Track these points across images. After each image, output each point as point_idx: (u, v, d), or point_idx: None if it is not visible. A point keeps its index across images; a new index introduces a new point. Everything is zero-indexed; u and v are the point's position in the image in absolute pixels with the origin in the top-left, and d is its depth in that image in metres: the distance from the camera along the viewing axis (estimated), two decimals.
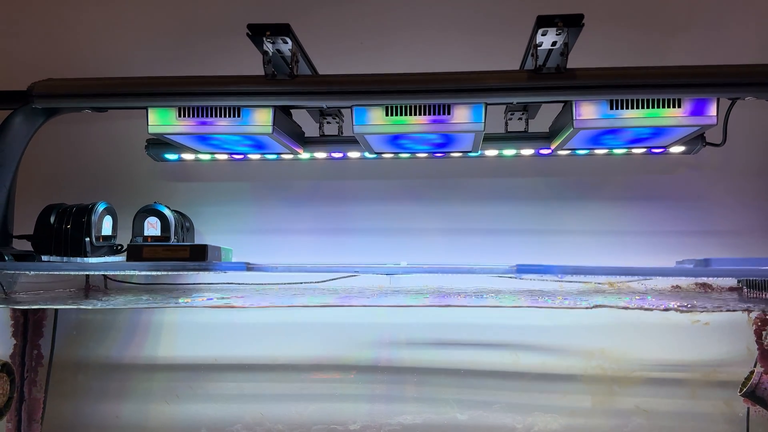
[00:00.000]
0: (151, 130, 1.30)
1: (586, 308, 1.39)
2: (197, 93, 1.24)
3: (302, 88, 1.23)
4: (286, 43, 1.17)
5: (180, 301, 1.43)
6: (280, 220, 1.78)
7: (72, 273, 1.58)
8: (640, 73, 1.18)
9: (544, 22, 1.10)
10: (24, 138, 1.41)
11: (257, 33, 1.15)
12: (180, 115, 1.28)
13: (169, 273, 1.48)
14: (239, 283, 1.65)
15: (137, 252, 1.27)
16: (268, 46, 1.18)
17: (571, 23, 1.10)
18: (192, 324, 1.77)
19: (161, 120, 1.29)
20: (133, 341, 1.78)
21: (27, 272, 1.36)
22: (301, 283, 1.63)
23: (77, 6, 1.83)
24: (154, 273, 1.39)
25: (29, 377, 1.66)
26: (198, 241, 1.74)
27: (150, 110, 1.29)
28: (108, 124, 1.79)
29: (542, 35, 1.13)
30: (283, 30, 1.15)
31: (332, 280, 1.60)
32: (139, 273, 1.45)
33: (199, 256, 1.28)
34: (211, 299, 1.48)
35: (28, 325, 1.66)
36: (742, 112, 1.46)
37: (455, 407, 1.71)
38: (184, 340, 1.77)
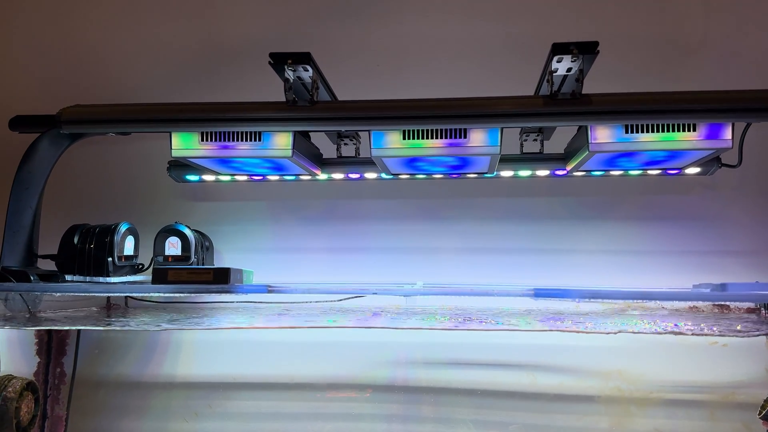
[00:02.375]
0: (175, 153, 1.33)
1: (608, 333, 1.39)
2: (220, 119, 1.27)
3: (322, 114, 1.26)
4: (307, 70, 1.20)
5: (203, 323, 1.46)
6: (298, 238, 1.80)
7: (98, 294, 1.62)
8: (654, 98, 1.18)
9: (559, 49, 1.11)
10: (50, 161, 1.45)
11: (279, 61, 1.18)
12: (202, 140, 1.31)
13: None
14: (259, 302, 1.68)
15: (163, 275, 1.31)
16: (290, 74, 1.21)
17: (586, 50, 1.11)
18: (211, 342, 1.79)
19: (184, 144, 1.32)
20: (153, 359, 1.80)
21: (54, 294, 1.39)
22: (319, 302, 1.64)
23: (102, 30, 1.88)
24: (177, 294, 1.42)
25: (52, 395, 1.69)
26: (217, 259, 1.76)
27: (173, 135, 1.32)
28: (130, 146, 1.82)
29: (557, 62, 1.14)
30: (303, 58, 1.17)
31: (349, 298, 1.61)
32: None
33: (222, 279, 1.31)
34: (227, 317, 1.50)
35: (52, 344, 1.70)
36: (759, 132, 1.46)
37: (472, 428, 1.71)
38: (203, 359, 1.79)
